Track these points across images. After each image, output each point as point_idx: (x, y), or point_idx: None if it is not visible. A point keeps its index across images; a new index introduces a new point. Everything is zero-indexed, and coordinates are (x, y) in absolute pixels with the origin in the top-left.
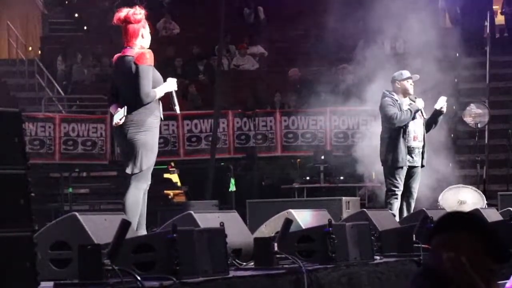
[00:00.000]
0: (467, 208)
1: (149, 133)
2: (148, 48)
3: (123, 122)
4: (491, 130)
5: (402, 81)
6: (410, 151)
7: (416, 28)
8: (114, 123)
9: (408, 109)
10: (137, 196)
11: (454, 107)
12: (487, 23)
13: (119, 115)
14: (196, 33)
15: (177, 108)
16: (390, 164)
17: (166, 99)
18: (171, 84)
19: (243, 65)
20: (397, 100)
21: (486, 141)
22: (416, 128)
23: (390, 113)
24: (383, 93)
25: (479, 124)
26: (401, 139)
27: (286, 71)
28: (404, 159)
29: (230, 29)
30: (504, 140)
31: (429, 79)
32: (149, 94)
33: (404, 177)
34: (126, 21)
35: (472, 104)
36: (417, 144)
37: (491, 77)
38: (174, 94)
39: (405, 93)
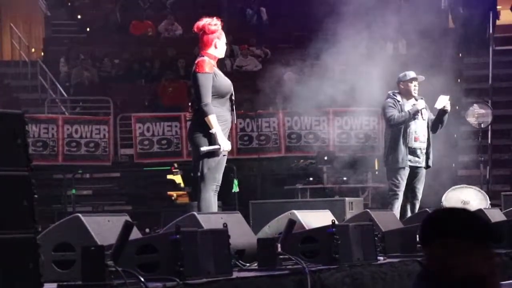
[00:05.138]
0: (470, 208)
1: (209, 137)
2: (206, 56)
3: (189, 126)
4: (494, 130)
5: (405, 82)
6: (411, 151)
7: (419, 29)
8: (186, 117)
9: (408, 110)
10: (208, 198)
11: (457, 107)
12: (490, 23)
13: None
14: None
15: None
16: (391, 165)
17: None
18: (226, 145)
19: (246, 66)
20: (399, 101)
21: (489, 141)
22: (417, 129)
23: (388, 114)
24: (387, 94)
25: (482, 124)
26: (402, 140)
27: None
28: (405, 160)
29: (232, 30)
30: (507, 140)
31: (432, 79)
32: (207, 104)
33: (406, 177)
34: (202, 30)
35: (475, 104)
36: (418, 144)
37: (494, 77)
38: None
39: (408, 94)
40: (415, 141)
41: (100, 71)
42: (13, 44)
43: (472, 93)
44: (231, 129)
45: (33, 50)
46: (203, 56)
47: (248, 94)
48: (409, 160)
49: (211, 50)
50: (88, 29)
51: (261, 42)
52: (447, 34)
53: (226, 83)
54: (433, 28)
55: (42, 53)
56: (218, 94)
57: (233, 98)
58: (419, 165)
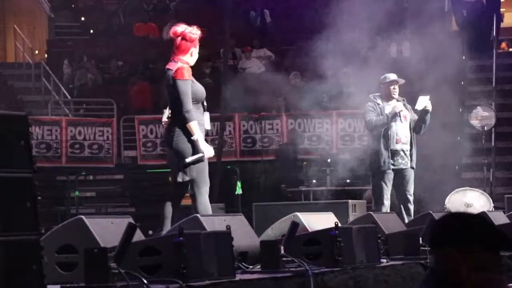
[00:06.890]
0: (473, 211)
1: (191, 143)
2: (187, 64)
3: (167, 132)
4: (497, 132)
5: (385, 85)
6: (393, 154)
7: (423, 32)
8: (162, 122)
9: (386, 114)
10: (204, 202)
11: (460, 110)
12: (494, 26)
13: (164, 115)
14: (202, 36)
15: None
16: (374, 169)
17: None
18: (208, 151)
19: (249, 68)
20: (379, 104)
21: (492, 144)
22: (398, 131)
23: (367, 119)
24: (369, 97)
25: (485, 127)
26: (382, 143)
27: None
28: (387, 163)
29: (236, 32)
30: (510, 142)
31: (436, 82)
32: (189, 111)
33: (391, 181)
34: (181, 36)
35: (478, 107)
36: (401, 146)
37: (497, 79)
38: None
39: (388, 96)
40: (396, 143)
41: (104, 73)
42: (17, 46)
43: (476, 95)
44: (234, 130)
45: (36, 52)
46: (177, 63)
47: (252, 96)
48: (392, 164)
49: (186, 57)
50: (91, 31)
51: (264, 44)
52: (451, 36)
53: (201, 89)
54: (436, 31)
55: (46, 55)
56: (195, 100)
57: (205, 103)
58: (403, 167)
